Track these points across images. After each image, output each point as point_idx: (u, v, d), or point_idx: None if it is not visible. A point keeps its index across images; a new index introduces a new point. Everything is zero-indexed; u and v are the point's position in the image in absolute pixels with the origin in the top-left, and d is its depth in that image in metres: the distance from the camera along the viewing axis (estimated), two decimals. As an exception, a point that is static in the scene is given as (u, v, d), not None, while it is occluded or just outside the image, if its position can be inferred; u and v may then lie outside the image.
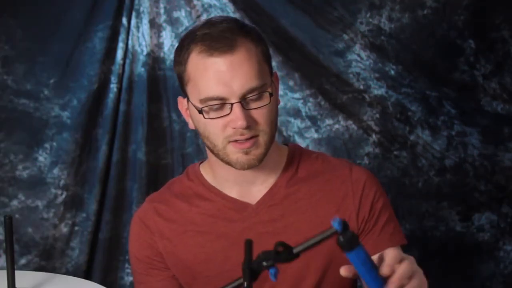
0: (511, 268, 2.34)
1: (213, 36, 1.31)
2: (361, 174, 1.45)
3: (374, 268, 1.04)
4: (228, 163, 1.35)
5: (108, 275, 2.28)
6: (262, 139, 1.34)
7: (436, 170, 2.31)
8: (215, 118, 1.31)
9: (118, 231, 2.28)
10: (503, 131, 2.31)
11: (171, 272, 1.46)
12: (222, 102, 1.30)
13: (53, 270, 2.23)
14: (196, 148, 2.30)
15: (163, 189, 1.51)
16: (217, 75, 1.30)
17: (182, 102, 1.41)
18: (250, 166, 1.34)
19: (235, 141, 1.32)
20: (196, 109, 1.33)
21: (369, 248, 1.41)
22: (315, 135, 2.30)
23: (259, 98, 1.32)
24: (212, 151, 1.37)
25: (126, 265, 2.28)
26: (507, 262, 2.34)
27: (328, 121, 2.30)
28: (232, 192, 1.43)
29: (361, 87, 2.30)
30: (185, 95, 1.39)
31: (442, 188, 2.31)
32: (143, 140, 2.27)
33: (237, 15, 2.25)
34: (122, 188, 2.28)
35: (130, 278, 2.27)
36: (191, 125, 1.41)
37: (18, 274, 1.46)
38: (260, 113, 1.32)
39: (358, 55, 2.29)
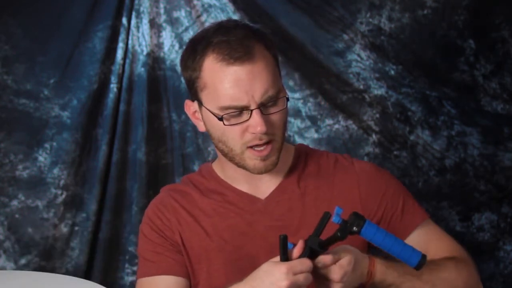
0: (511, 268, 2.34)
1: (231, 43, 1.34)
2: (364, 165, 1.52)
3: (388, 232, 1.22)
4: (244, 167, 1.40)
5: (108, 275, 2.28)
6: (277, 144, 1.39)
7: (436, 170, 2.31)
8: (235, 124, 1.35)
9: (118, 231, 2.28)
10: (503, 131, 2.31)
11: (181, 256, 1.47)
12: (242, 109, 1.34)
13: (53, 270, 2.23)
14: (196, 148, 2.30)
15: (177, 183, 1.58)
16: (238, 83, 1.33)
17: (190, 105, 1.45)
18: (267, 171, 1.41)
19: (253, 147, 1.37)
20: (216, 116, 1.36)
21: (397, 233, 1.43)
22: (315, 135, 2.30)
23: (275, 103, 1.37)
24: (226, 155, 1.41)
25: (126, 265, 2.28)
26: (507, 262, 2.34)
27: (328, 121, 2.30)
28: (243, 187, 1.47)
29: (361, 87, 2.30)
30: (196, 99, 1.41)
31: (442, 188, 2.31)
32: (143, 140, 2.27)
33: (237, 15, 2.25)
34: (122, 188, 2.28)
35: (130, 278, 2.27)
36: (201, 128, 1.44)
37: (18, 274, 1.46)
38: (276, 118, 1.37)
39: (358, 55, 2.29)
